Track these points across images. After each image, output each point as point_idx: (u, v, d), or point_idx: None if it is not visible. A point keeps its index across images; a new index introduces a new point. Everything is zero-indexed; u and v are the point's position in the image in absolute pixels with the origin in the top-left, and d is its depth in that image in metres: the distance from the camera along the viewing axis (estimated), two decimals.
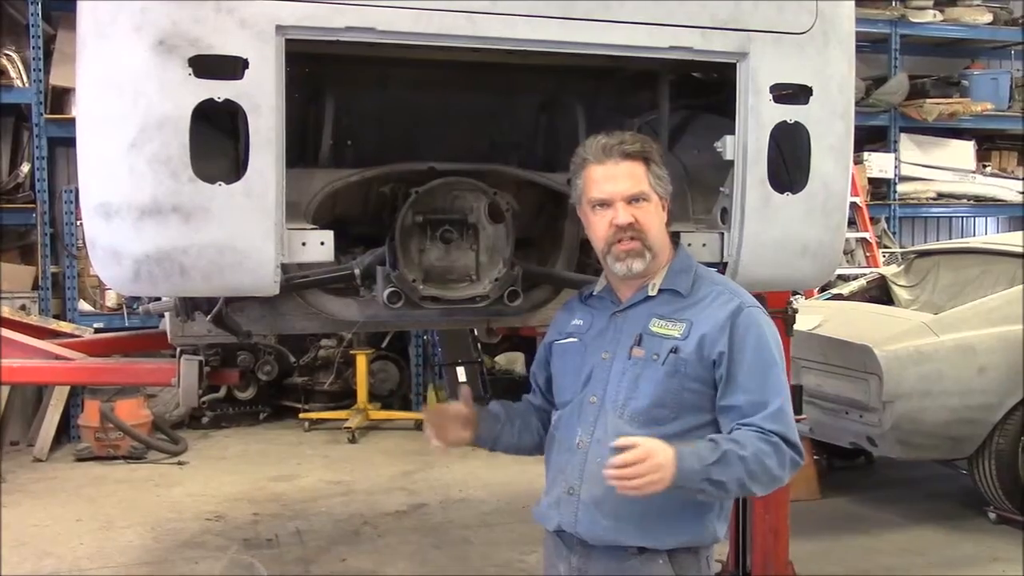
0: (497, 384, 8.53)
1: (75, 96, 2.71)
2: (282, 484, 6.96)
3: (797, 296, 5.09)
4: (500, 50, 2.72)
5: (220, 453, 7.89)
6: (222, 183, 2.50)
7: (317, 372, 8.86)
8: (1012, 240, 6.83)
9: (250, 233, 2.54)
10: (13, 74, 7.98)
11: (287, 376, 8.62)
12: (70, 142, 5.12)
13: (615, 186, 2.42)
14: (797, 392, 4.47)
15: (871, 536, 5.79)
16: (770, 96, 2.87)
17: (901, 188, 10.06)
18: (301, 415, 8.68)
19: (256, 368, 4.20)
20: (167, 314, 3.54)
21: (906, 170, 10.07)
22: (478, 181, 3.01)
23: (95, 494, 6.70)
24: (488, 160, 3.25)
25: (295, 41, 2.52)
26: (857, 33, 3.05)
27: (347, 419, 8.37)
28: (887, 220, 10.09)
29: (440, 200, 2.99)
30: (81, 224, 7.41)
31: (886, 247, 9.61)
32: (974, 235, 10.83)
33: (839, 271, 6.17)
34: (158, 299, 3.65)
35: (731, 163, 2.92)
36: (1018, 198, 10.38)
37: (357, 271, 2.95)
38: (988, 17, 10.23)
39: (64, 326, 6.79)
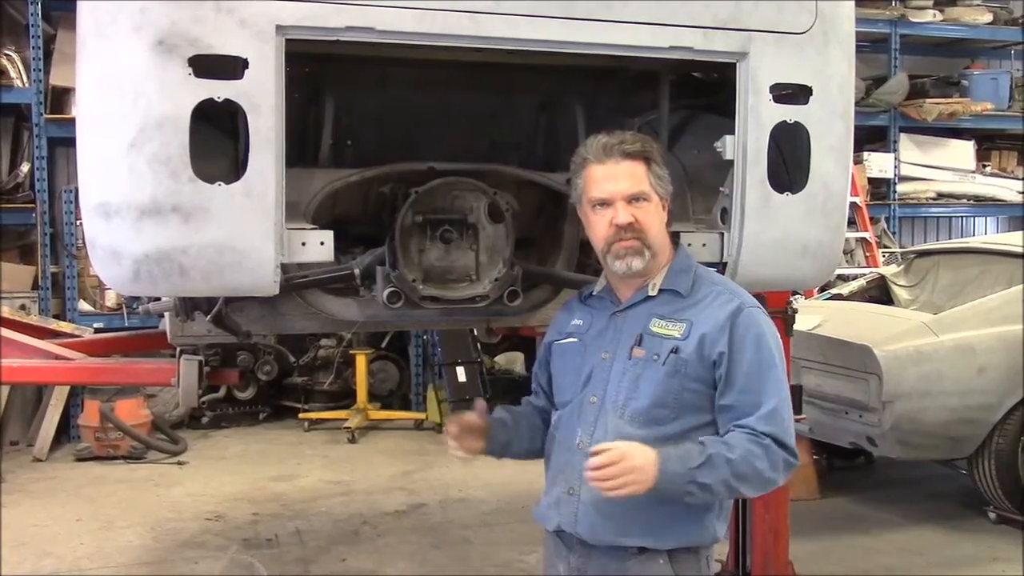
0: (497, 384, 8.54)
1: (75, 96, 2.71)
2: (282, 484, 6.96)
3: (797, 296, 5.10)
4: (501, 50, 2.72)
5: (220, 453, 7.88)
6: (222, 183, 2.50)
7: (317, 372, 8.86)
8: (1012, 240, 6.82)
9: (250, 233, 2.54)
10: (13, 74, 7.98)
11: (287, 376, 8.62)
12: (70, 142, 5.13)
13: (615, 185, 2.42)
14: (797, 392, 4.46)
15: (871, 536, 5.79)
16: (770, 96, 2.87)
17: (901, 188, 10.06)
18: (301, 415, 8.68)
19: (256, 368, 4.20)
20: (167, 314, 3.54)
21: (906, 170, 10.07)
22: (478, 181, 3.01)
23: (95, 494, 6.70)
24: (488, 160, 3.25)
25: (295, 41, 2.52)
26: (857, 33, 3.05)
27: (347, 419, 8.37)
28: (887, 220, 10.09)
29: (440, 200, 2.99)
30: (81, 224, 7.41)
31: (886, 247, 9.61)
32: (974, 235, 10.82)
33: (839, 271, 6.18)
34: (158, 299, 3.65)
35: (731, 163, 2.92)
36: (1018, 198, 10.39)
37: (357, 271, 2.95)
38: (988, 17, 10.23)
39: (64, 326, 6.80)
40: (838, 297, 7.01)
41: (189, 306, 3.13)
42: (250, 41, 2.46)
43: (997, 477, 5.76)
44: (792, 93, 2.92)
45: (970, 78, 10.13)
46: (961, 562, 5.39)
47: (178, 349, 3.78)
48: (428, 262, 2.99)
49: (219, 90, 2.46)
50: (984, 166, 10.40)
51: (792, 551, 4.58)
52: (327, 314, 3.16)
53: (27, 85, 7.95)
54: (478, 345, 8.30)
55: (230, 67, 2.46)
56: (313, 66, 2.95)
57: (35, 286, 8.16)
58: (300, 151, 3.09)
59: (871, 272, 7.66)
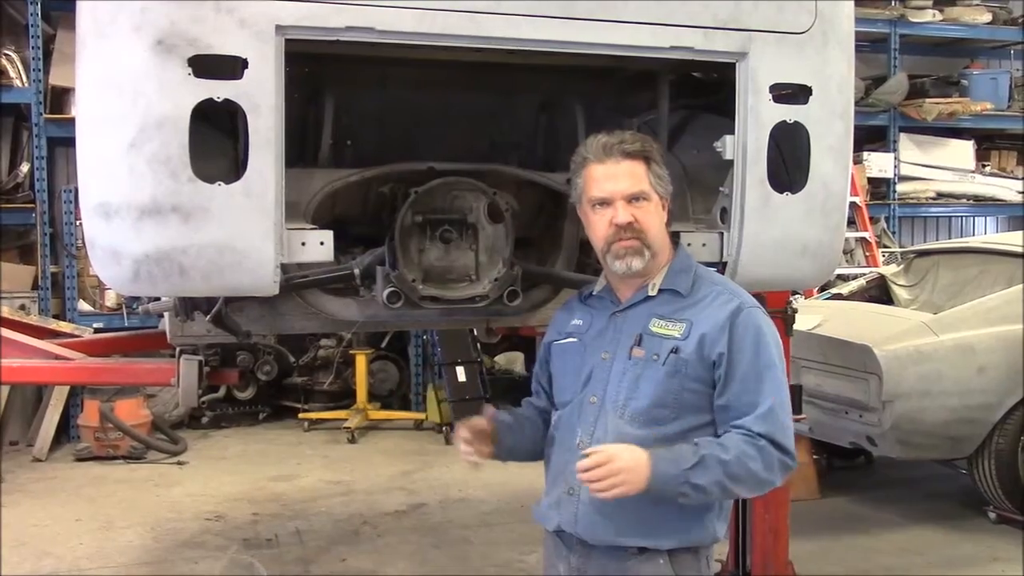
0: (497, 384, 8.55)
1: (74, 96, 2.71)
2: (282, 484, 6.96)
3: (797, 296, 5.10)
4: (501, 50, 2.72)
5: (220, 453, 7.88)
6: (221, 183, 2.50)
7: (317, 372, 8.86)
8: (1011, 240, 6.82)
9: (249, 233, 2.54)
10: (13, 74, 7.98)
11: (287, 376, 8.62)
12: (70, 142, 5.14)
13: (615, 185, 2.41)
14: (797, 392, 4.47)
15: (871, 536, 5.79)
16: (769, 96, 2.87)
17: (900, 188, 10.06)
18: (301, 415, 8.68)
19: (256, 368, 4.20)
20: (166, 314, 3.54)
21: (905, 170, 10.07)
22: (478, 181, 3.01)
23: (95, 494, 6.70)
24: (488, 160, 3.25)
25: (295, 41, 2.52)
26: (856, 33, 3.05)
27: (347, 419, 8.37)
28: (886, 220, 10.10)
29: (440, 200, 2.99)
30: (80, 224, 7.40)
31: (885, 247, 9.61)
32: (973, 235, 10.83)
33: (838, 271, 6.18)
34: (157, 299, 3.65)
35: (730, 163, 2.92)
36: (1017, 198, 10.39)
37: (357, 271, 2.95)
38: (987, 17, 10.23)
39: (64, 326, 6.80)
40: (838, 297, 7.01)
41: (189, 306, 3.12)
42: (250, 41, 2.46)
43: (997, 477, 5.76)
44: (792, 93, 2.92)
45: (969, 78, 10.13)
46: (961, 562, 5.39)
47: (178, 349, 3.78)
48: (428, 262, 2.99)
49: (219, 90, 2.46)
50: (984, 166, 10.41)
51: (792, 551, 4.58)
52: (327, 314, 3.16)
53: (27, 85, 7.95)
54: (478, 345, 8.30)
55: (230, 67, 2.46)
56: (313, 66, 2.95)
57: (35, 286, 8.16)
58: (300, 151, 3.09)
59: (871, 272, 7.66)
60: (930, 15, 10.01)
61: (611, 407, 2.43)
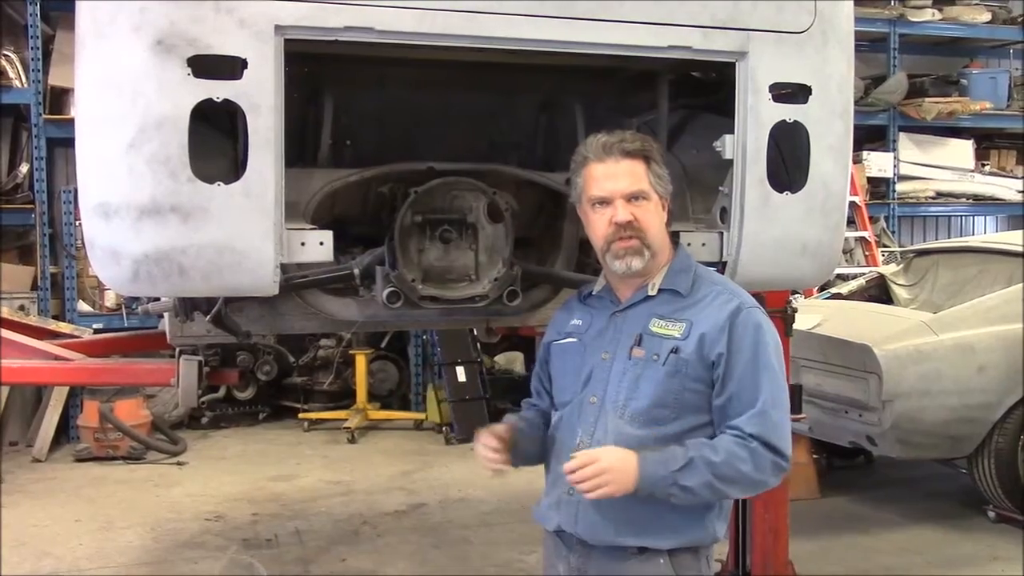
0: (497, 384, 8.56)
1: (74, 96, 2.71)
2: (281, 484, 6.96)
3: (796, 295, 5.10)
4: (500, 50, 2.71)
5: (219, 453, 7.88)
6: (221, 183, 2.50)
7: (316, 372, 8.86)
8: (1011, 239, 6.82)
9: (249, 233, 2.53)
10: (12, 74, 7.98)
11: (286, 376, 8.62)
12: (69, 142, 5.12)
13: (615, 184, 2.41)
14: (797, 391, 4.47)
15: (870, 535, 5.79)
16: (769, 95, 2.87)
17: (900, 187, 10.07)
18: (300, 415, 8.68)
19: (255, 368, 4.20)
20: (166, 314, 3.54)
21: (905, 169, 10.08)
22: (477, 181, 3.01)
23: (94, 494, 6.70)
24: (487, 160, 3.25)
25: (294, 41, 2.51)
26: (856, 32, 3.05)
27: (346, 419, 8.37)
28: (886, 219, 10.10)
29: (439, 200, 2.99)
30: (80, 224, 7.39)
31: (885, 246, 9.61)
32: (973, 234, 10.83)
33: (838, 270, 6.17)
34: (157, 299, 3.65)
35: (730, 162, 2.92)
36: (1017, 197, 10.39)
37: (356, 271, 2.95)
38: (987, 16, 10.23)
39: (63, 326, 6.81)
40: (838, 296, 7.01)
41: (188, 306, 3.12)
42: (249, 41, 2.46)
43: (997, 476, 5.76)
44: (791, 92, 2.92)
45: (969, 77, 10.13)
46: (961, 561, 5.39)
47: (177, 349, 3.78)
48: (427, 262, 2.99)
49: (218, 90, 2.46)
50: (983, 165, 10.41)
51: (792, 551, 4.58)
52: (327, 314, 3.16)
53: (26, 85, 7.95)
54: (478, 345, 8.31)
55: (229, 67, 2.46)
56: (312, 66, 2.95)
57: (34, 287, 8.16)
58: (299, 151, 3.09)
59: (870, 271, 7.66)
60: (929, 14, 10.01)
61: (611, 407, 2.43)
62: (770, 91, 2.87)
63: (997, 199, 10.38)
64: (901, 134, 10.03)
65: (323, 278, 2.95)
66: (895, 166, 9.97)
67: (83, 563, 5.41)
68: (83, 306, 8.33)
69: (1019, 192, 10.39)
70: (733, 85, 2.86)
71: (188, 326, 3.31)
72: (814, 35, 2.90)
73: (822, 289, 7.02)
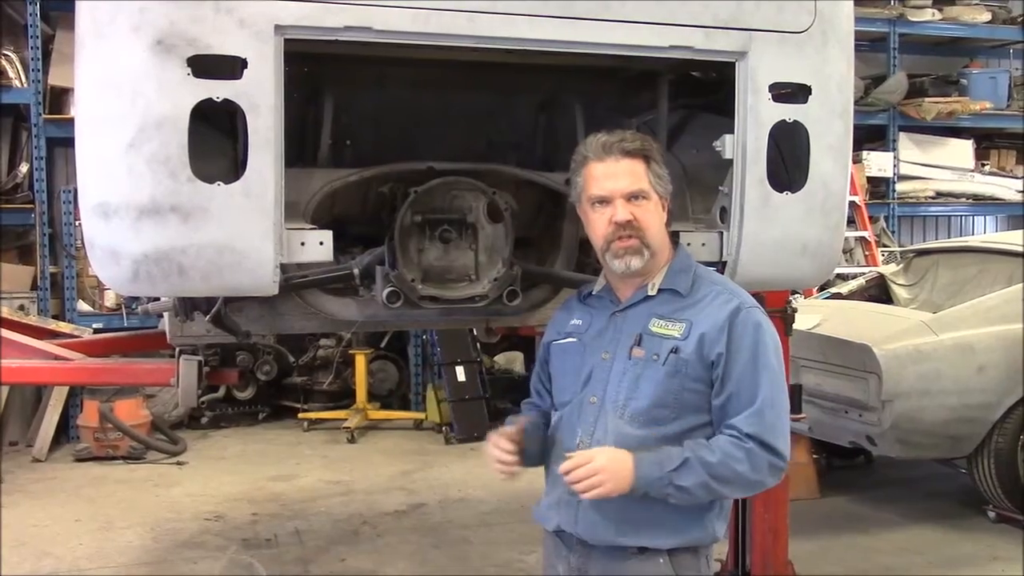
0: (496, 384, 8.56)
1: (74, 96, 2.70)
2: (281, 484, 6.96)
3: (796, 295, 5.10)
4: (500, 50, 2.71)
5: (219, 453, 7.88)
6: (221, 183, 2.50)
7: (316, 372, 8.86)
8: (1011, 239, 6.82)
9: (249, 233, 2.53)
10: (12, 74, 7.98)
11: (286, 376, 8.62)
12: (69, 142, 5.11)
13: (615, 183, 2.41)
14: (797, 391, 4.47)
15: (870, 535, 5.79)
16: (769, 95, 2.87)
17: (900, 187, 10.07)
18: (300, 415, 8.67)
19: (255, 368, 4.21)
20: (166, 314, 3.54)
21: (905, 169, 10.08)
22: (477, 181, 3.01)
23: (94, 494, 6.70)
24: (487, 160, 3.25)
25: (294, 41, 2.51)
26: (856, 32, 3.05)
27: (346, 419, 8.37)
28: (886, 219, 10.10)
29: (439, 200, 2.99)
30: (80, 224, 7.39)
31: (885, 246, 9.61)
32: (973, 234, 10.83)
33: (838, 270, 6.17)
34: (157, 299, 3.65)
35: (730, 162, 2.92)
36: (1017, 197, 10.39)
37: (356, 271, 2.95)
38: (986, 16, 10.23)
39: (63, 326, 6.80)
40: (837, 296, 7.01)
41: (188, 306, 3.12)
42: (249, 41, 2.46)
43: (996, 476, 5.76)
44: (791, 92, 2.92)
45: (969, 77, 10.13)
46: (961, 561, 5.39)
47: (177, 349, 3.78)
48: (427, 262, 2.99)
49: (218, 90, 2.46)
50: (983, 165, 10.41)
51: (792, 551, 4.58)
52: (326, 314, 3.16)
53: (26, 85, 7.95)
54: (477, 345, 8.32)
55: (229, 67, 2.46)
56: (312, 66, 2.95)
57: (34, 286, 8.16)
58: (299, 151, 3.09)
59: (870, 271, 7.66)
60: (929, 14, 10.01)
61: (611, 407, 2.43)
62: (770, 91, 2.87)
63: (997, 199, 10.38)
64: (901, 134, 10.03)
65: (323, 278, 2.95)
66: (895, 166, 9.97)
67: (83, 563, 5.41)
68: (83, 306, 8.33)
69: (1019, 192, 10.39)
70: (733, 85, 2.86)
71: (188, 326, 3.31)
72: (814, 35, 2.90)
73: (822, 289, 7.02)
